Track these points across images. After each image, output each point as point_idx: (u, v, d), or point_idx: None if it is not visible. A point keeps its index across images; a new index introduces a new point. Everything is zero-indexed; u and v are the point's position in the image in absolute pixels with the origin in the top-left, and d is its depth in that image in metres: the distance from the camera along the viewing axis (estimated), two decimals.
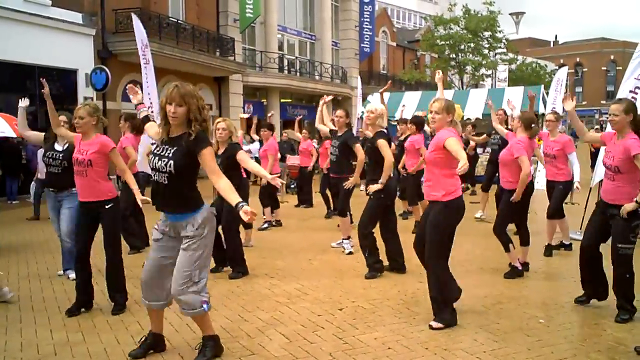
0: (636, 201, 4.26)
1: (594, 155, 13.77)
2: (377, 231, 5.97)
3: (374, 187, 5.67)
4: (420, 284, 5.36)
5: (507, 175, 5.95)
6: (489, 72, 31.09)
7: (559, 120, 7.21)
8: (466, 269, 6.06)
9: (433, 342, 4.05)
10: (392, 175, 5.92)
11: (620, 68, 55.18)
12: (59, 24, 14.23)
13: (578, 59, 64.11)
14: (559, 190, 6.82)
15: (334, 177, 7.17)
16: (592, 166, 12.27)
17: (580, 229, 7.71)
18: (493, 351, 3.88)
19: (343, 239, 7.14)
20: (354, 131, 10.31)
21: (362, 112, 12.16)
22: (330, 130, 7.14)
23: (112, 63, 15.53)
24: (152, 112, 10.37)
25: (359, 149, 6.64)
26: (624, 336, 4.15)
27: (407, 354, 3.85)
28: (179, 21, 18.08)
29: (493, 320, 4.51)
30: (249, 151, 9.71)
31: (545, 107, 13.70)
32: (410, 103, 15.02)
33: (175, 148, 3.46)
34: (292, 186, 13.66)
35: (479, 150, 11.80)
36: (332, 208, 9.73)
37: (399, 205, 9.88)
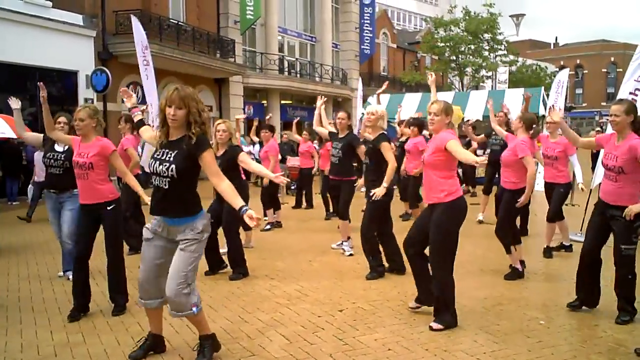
0: None
1: (594, 157, 13.77)
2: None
3: (379, 192, 5.61)
4: None
5: (510, 176, 5.94)
6: (489, 74, 31.08)
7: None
8: (466, 270, 6.05)
9: (433, 343, 4.04)
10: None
11: (621, 70, 55.20)
12: (59, 25, 14.25)
13: (578, 61, 64.15)
14: (559, 193, 6.80)
15: (334, 179, 7.07)
16: (593, 168, 12.27)
17: (581, 230, 7.71)
18: (493, 352, 3.87)
19: (343, 240, 7.13)
20: (355, 133, 10.29)
21: (363, 113, 12.15)
22: (330, 132, 7.14)
23: (112, 64, 15.55)
24: (152, 113, 10.40)
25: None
26: (624, 337, 4.15)
27: (407, 355, 3.85)
28: (179, 23, 18.11)
29: (493, 321, 4.51)
30: (250, 152, 9.73)
31: (545, 109, 13.70)
32: (410, 105, 15.04)
33: (176, 152, 3.45)
34: (292, 187, 13.66)
35: (479, 152, 11.80)
36: (331, 210, 9.73)
37: (400, 207, 9.91)
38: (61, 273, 5.97)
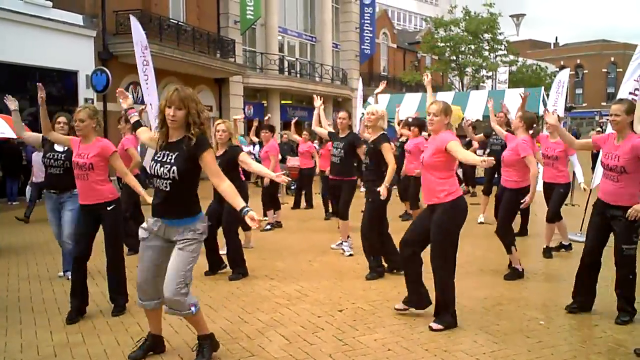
0: None
1: (594, 157, 13.76)
2: None
3: (384, 191, 5.56)
4: None
5: (513, 175, 5.93)
6: (490, 74, 31.09)
7: (559, 122, 7.20)
8: (466, 270, 6.05)
9: (433, 343, 4.04)
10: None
11: (621, 70, 55.16)
12: (59, 25, 14.26)
13: (578, 61, 64.14)
14: (559, 194, 6.79)
15: (335, 179, 7.03)
16: (593, 168, 12.27)
17: (581, 230, 7.71)
18: (493, 353, 3.87)
19: (343, 241, 7.13)
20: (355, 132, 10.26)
21: (363, 113, 12.15)
22: (330, 133, 7.13)
23: (112, 64, 15.55)
24: (152, 113, 10.39)
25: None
26: (624, 338, 4.15)
27: (407, 355, 3.85)
28: (179, 23, 18.11)
29: (493, 321, 4.51)
30: (250, 153, 9.73)
31: (545, 108, 13.69)
32: (410, 105, 15.03)
33: (176, 153, 3.44)
34: (292, 187, 13.66)
35: (479, 152, 11.79)
36: (330, 210, 9.72)
37: (400, 207, 9.91)
38: (61, 273, 5.97)
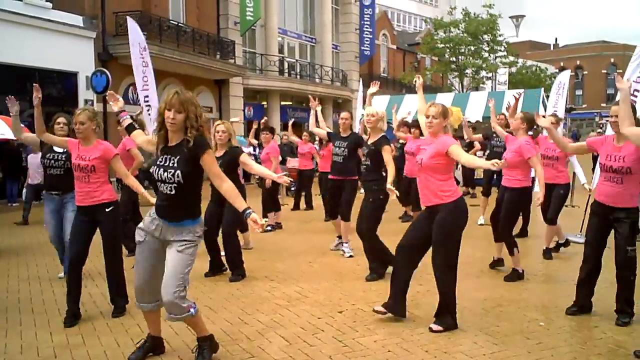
0: None
1: (595, 158, 13.75)
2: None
3: (391, 188, 5.31)
4: (420, 287, 5.36)
5: (517, 174, 5.89)
6: (489, 75, 31.12)
7: (558, 123, 7.19)
8: (466, 272, 6.04)
9: (433, 345, 4.04)
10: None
11: (621, 71, 54.95)
12: (59, 26, 14.28)
13: (578, 62, 64.14)
14: (559, 195, 6.76)
15: (337, 178, 6.94)
16: (593, 169, 12.27)
17: (581, 231, 7.71)
18: (493, 354, 3.87)
19: (343, 242, 7.12)
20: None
21: (362, 115, 12.14)
22: (329, 133, 7.12)
23: (112, 66, 15.57)
24: (150, 114, 10.40)
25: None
26: (624, 339, 4.15)
27: (406, 356, 3.85)
28: (179, 24, 18.13)
29: (493, 323, 4.51)
30: (250, 154, 9.72)
31: (545, 110, 13.69)
32: (410, 106, 15.02)
33: (178, 157, 3.44)
34: (292, 189, 13.66)
35: (479, 153, 11.79)
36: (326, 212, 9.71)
37: (400, 209, 9.91)
38: (61, 274, 5.94)
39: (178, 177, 3.41)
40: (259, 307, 4.96)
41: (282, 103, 25.27)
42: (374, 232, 5.87)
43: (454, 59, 29.33)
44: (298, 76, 26.23)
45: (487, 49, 29.27)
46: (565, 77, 13.77)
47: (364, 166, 6.08)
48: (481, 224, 9.17)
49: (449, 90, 29.43)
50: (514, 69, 34.84)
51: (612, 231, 4.51)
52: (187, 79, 18.24)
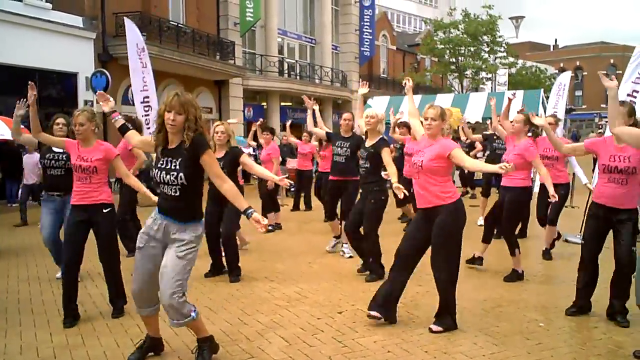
0: None
1: (595, 159, 13.73)
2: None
3: (398, 186, 5.09)
4: (419, 288, 5.36)
5: (520, 173, 5.85)
6: (489, 76, 31.13)
7: (557, 123, 7.20)
8: (466, 272, 6.05)
9: (433, 345, 4.04)
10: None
11: (620, 72, 54.97)
12: (59, 27, 14.27)
13: (578, 63, 64.14)
14: (560, 195, 6.72)
15: (338, 179, 6.86)
16: (594, 170, 12.27)
17: (580, 232, 7.70)
18: (492, 354, 3.87)
19: (343, 243, 7.11)
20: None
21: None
22: (328, 133, 7.12)
23: (112, 66, 15.55)
24: (149, 115, 10.39)
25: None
26: (623, 340, 4.15)
27: (406, 357, 3.85)
28: (179, 25, 18.13)
29: (493, 323, 4.51)
30: (249, 154, 9.71)
31: (545, 111, 13.69)
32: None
33: (180, 159, 3.44)
34: (292, 189, 13.66)
35: (479, 154, 11.78)
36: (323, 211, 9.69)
37: (399, 210, 9.90)
38: (59, 275, 5.91)
39: (181, 179, 3.41)
40: (258, 308, 4.96)
41: (282, 104, 25.27)
42: (374, 232, 5.87)
43: (454, 59, 29.34)
44: (298, 77, 26.24)
45: (486, 49, 29.29)
46: (566, 78, 13.77)
47: (363, 169, 6.06)
48: (481, 225, 9.14)
49: (448, 91, 29.43)
50: (513, 70, 34.85)
51: (610, 232, 4.52)
52: (187, 79, 18.25)
